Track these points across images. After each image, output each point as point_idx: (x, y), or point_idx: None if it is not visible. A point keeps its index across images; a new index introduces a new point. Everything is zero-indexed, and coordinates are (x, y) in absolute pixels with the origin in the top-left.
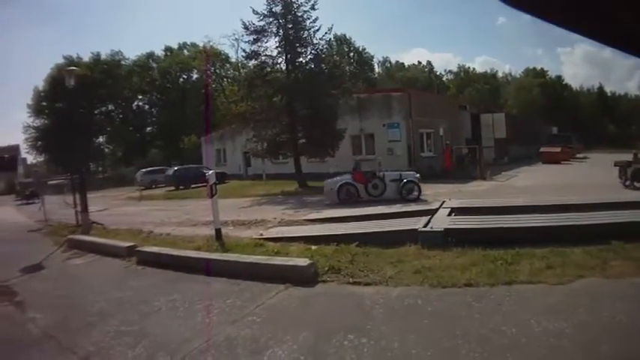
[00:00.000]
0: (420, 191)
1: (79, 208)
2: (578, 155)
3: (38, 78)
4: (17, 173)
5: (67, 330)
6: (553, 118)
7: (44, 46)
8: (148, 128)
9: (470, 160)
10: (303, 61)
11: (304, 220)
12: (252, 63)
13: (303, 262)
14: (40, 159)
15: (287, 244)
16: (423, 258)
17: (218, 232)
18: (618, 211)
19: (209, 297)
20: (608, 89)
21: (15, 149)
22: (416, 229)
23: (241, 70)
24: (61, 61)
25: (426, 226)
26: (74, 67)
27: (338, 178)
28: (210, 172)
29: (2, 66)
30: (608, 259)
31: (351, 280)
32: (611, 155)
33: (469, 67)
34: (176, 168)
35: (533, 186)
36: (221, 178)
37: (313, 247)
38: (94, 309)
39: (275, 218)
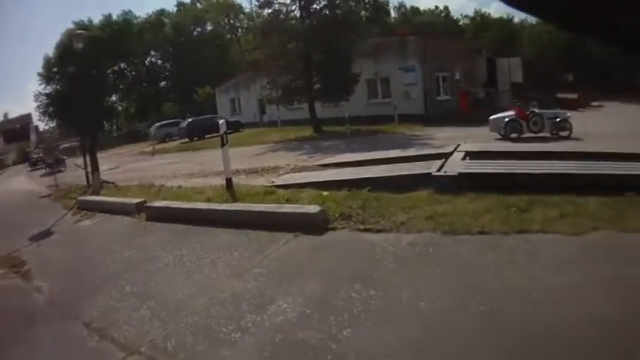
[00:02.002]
0: (571, 130)
1: (88, 169)
2: (593, 103)
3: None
4: (30, 141)
5: (72, 296)
6: (568, 66)
7: (55, 16)
8: (162, 83)
9: (487, 104)
10: (318, 7)
11: (317, 165)
12: (266, 12)
13: (312, 209)
14: (53, 125)
15: (298, 190)
16: (436, 204)
17: (229, 181)
18: (636, 163)
19: (216, 250)
20: None
21: (27, 118)
22: (429, 174)
23: (256, 20)
24: (71, 26)
25: (439, 170)
26: (82, 31)
27: (502, 114)
28: (222, 121)
29: (15, 39)
30: (623, 210)
31: (361, 226)
32: (624, 105)
33: (485, 12)
34: (190, 120)
35: None
36: (236, 126)
37: (324, 193)
38: (100, 271)
39: (288, 164)
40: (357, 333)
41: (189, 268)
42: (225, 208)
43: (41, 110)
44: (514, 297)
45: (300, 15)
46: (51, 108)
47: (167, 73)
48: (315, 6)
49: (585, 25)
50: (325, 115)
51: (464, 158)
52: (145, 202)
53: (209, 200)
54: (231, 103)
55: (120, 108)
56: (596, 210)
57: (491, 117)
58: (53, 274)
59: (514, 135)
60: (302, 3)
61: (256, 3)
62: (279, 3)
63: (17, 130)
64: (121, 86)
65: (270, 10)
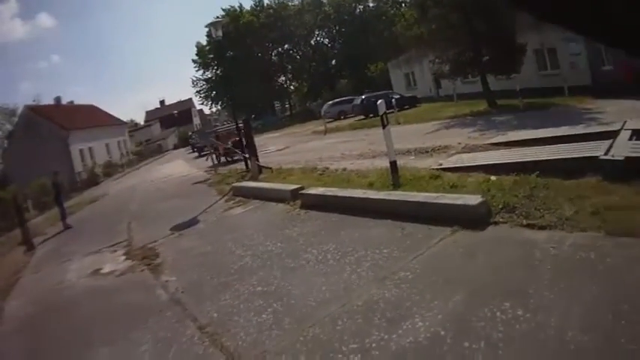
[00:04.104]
0: None
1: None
2: None
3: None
4: (193, 125)
5: (197, 293)
6: None
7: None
8: (333, 61)
9: None
10: None
11: (487, 144)
12: None
13: (474, 200)
14: (218, 108)
15: (465, 174)
16: (603, 194)
17: (393, 165)
18: None
19: (365, 246)
20: None
21: (188, 103)
22: (596, 157)
23: None
24: (221, 14)
25: (606, 153)
26: (219, 19)
27: None
28: (380, 101)
29: (167, 29)
30: None
31: (524, 221)
32: None
33: None
34: (364, 96)
35: None
36: (412, 102)
37: (492, 178)
38: (235, 267)
39: (459, 143)
40: None
41: (331, 268)
42: (382, 197)
43: (202, 95)
44: None
45: None
46: (214, 92)
47: (335, 52)
48: None
49: (587, 27)
50: (498, 87)
51: (631, 138)
52: (301, 188)
53: (371, 185)
54: (406, 78)
55: (292, 88)
56: None
57: None
58: (185, 268)
59: None
60: None
61: None
62: None
63: (175, 115)
64: (289, 67)
65: None
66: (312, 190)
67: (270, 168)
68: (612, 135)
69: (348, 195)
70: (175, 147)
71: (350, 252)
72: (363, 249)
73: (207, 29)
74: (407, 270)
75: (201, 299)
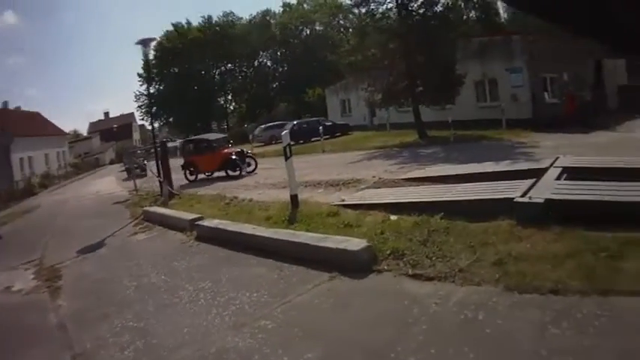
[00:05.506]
0: None
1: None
2: None
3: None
4: (132, 140)
5: (81, 321)
6: None
7: (155, 18)
8: (275, 84)
9: (592, 109)
10: (415, 5)
11: (401, 179)
12: (361, 11)
13: (357, 245)
14: (158, 124)
15: (365, 212)
16: (513, 240)
17: (294, 199)
18: None
19: (239, 287)
20: None
21: (129, 117)
22: (512, 199)
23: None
24: (169, 28)
25: (524, 194)
26: (152, 37)
27: None
28: (284, 132)
29: (117, 40)
30: None
31: (411, 271)
32: None
33: None
34: (294, 122)
35: None
36: (343, 129)
37: (392, 218)
38: (119, 297)
39: (373, 177)
40: None
41: (199, 308)
42: (268, 235)
43: (143, 110)
44: None
45: (398, 14)
46: (154, 108)
47: (277, 74)
48: (412, 4)
49: (586, 26)
50: (433, 118)
51: (559, 177)
52: (199, 219)
53: (269, 219)
54: (342, 105)
55: (231, 108)
56: None
57: None
58: (78, 294)
59: None
60: (399, 1)
61: (350, 2)
62: (375, 2)
63: (114, 129)
64: (230, 87)
65: (364, 10)
66: (207, 222)
67: (178, 194)
68: (539, 173)
69: (237, 230)
70: (112, 162)
71: (223, 292)
72: (235, 290)
73: (153, 44)
74: (269, 318)
75: (83, 328)
